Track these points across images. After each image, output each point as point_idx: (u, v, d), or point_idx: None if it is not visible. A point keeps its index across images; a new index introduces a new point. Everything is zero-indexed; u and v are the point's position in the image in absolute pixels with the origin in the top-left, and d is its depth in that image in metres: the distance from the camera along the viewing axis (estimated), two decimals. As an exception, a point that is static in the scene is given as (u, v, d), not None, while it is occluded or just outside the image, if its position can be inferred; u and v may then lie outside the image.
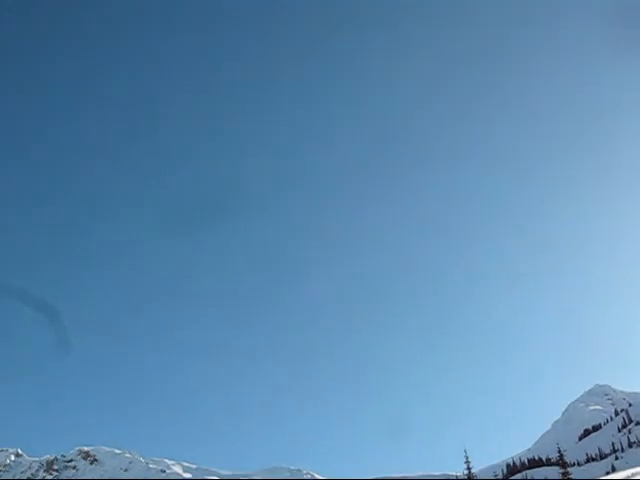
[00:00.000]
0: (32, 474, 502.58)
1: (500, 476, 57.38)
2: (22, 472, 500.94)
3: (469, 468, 33.47)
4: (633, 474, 32.51)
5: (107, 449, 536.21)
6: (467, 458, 33.20)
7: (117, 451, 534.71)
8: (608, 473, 60.94)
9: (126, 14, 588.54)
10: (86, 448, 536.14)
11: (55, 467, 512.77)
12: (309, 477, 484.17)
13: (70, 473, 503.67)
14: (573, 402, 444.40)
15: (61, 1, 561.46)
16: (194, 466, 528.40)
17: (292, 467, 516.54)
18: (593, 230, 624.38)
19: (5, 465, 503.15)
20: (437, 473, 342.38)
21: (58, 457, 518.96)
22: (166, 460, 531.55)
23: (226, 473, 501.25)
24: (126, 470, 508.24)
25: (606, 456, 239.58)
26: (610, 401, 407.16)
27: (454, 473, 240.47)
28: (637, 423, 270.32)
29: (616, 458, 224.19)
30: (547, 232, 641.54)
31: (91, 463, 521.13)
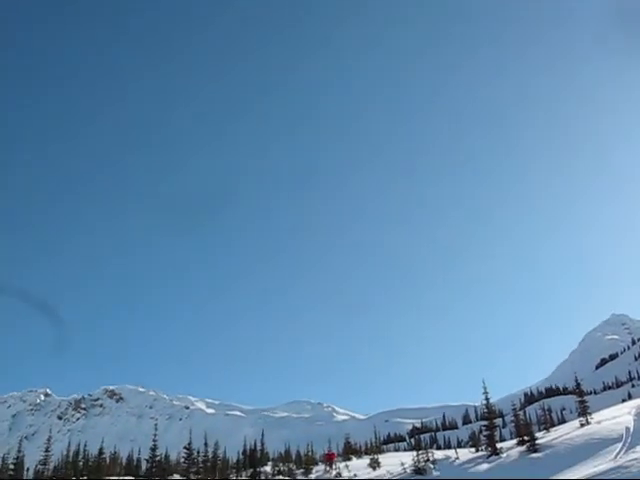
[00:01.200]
0: (61, 412, 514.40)
1: (518, 405, 55.79)
2: (52, 411, 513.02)
3: (487, 398, 32.17)
4: None
5: (131, 387, 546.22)
6: (485, 388, 31.87)
7: (141, 389, 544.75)
8: (624, 401, 57.40)
9: (133, 17, 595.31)
10: (111, 387, 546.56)
11: (83, 405, 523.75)
12: (329, 410, 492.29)
13: (97, 411, 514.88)
14: (590, 332, 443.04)
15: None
16: (217, 402, 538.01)
17: (312, 401, 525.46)
18: (612, 160, 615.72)
19: (36, 404, 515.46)
20: (456, 403, 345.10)
21: (85, 396, 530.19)
22: (189, 397, 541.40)
23: (248, 408, 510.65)
24: (151, 407, 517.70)
25: (622, 384, 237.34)
26: (627, 330, 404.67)
27: (472, 403, 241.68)
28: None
29: (632, 386, 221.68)
30: (568, 162, 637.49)
31: (117, 401, 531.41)
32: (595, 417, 30.38)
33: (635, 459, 16.50)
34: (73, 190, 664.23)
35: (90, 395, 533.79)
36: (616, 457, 19.46)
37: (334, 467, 41.38)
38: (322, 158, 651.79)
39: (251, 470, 48.49)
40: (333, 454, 44.98)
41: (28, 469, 57.64)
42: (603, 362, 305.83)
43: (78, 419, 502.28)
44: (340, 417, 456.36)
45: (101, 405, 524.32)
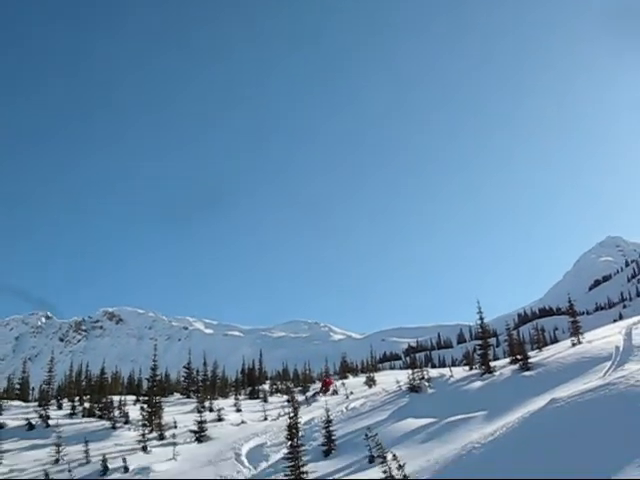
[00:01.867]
0: (63, 334, 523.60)
1: (511, 325, 56.75)
2: (54, 333, 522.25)
3: (481, 318, 32.18)
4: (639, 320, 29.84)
5: (131, 309, 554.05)
6: (480, 309, 31.91)
7: (140, 311, 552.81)
8: (615, 321, 58.33)
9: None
10: (111, 309, 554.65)
11: (83, 327, 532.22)
12: (326, 329, 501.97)
13: (97, 332, 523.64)
14: (584, 253, 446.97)
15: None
16: (215, 322, 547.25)
17: (310, 320, 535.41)
18: (617, 85, 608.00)
19: (37, 327, 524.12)
20: (451, 323, 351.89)
21: (85, 318, 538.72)
22: (188, 318, 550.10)
23: (246, 328, 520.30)
24: (150, 328, 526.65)
25: (614, 305, 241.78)
26: (621, 252, 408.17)
27: (467, 323, 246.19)
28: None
29: (624, 307, 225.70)
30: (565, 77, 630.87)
31: (116, 323, 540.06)
32: (587, 337, 30.94)
33: (623, 376, 16.89)
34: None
35: (90, 317, 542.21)
36: (605, 375, 19.93)
37: (332, 387, 41.72)
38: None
39: (249, 388, 49.73)
40: (330, 380, 43.87)
41: (33, 389, 59.15)
42: (596, 283, 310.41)
43: (79, 341, 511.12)
44: (337, 336, 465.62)
45: (101, 327, 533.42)
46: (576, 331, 31.28)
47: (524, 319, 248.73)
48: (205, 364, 49.79)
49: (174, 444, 25.72)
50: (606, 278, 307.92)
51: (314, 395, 39.92)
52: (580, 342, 30.02)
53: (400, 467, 15.48)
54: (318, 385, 51.94)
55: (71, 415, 37.01)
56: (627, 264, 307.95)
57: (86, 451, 25.29)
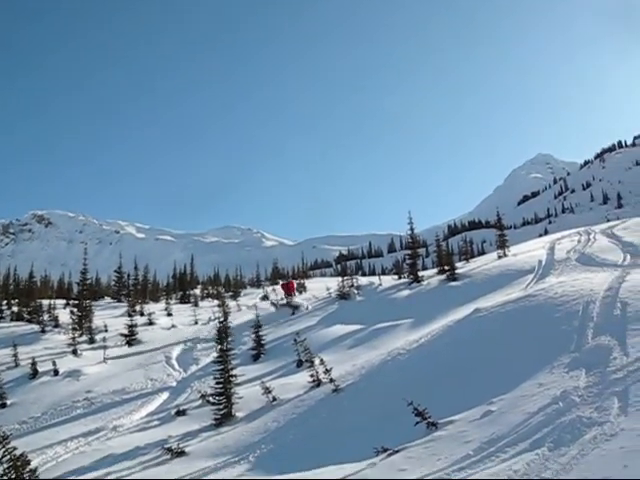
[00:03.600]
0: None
1: (441, 237, 58.05)
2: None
3: (412, 229, 32.51)
4: (562, 236, 30.99)
5: (61, 212, 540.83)
6: (410, 219, 32.29)
7: (71, 214, 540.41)
8: (541, 236, 60.60)
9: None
10: (40, 212, 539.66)
11: (11, 230, 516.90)
12: (258, 236, 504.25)
13: (26, 236, 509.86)
14: (515, 169, 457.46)
15: None
16: (147, 227, 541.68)
17: (242, 226, 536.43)
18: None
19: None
20: (382, 233, 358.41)
21: (13, 221, 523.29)
22: (119, 222, 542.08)
23: (178, 233, 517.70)
24: (80, 232, 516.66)
25: (541, 220, 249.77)
26: (550, 170, 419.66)
27: (398, 233, 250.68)
28: (572, 191, 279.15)
29: (549, 222, 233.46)
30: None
31: (46, 226, 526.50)
32: (512, 250, 31.97)
33: (543, 289, 17.56)
34: None
35: (18, 220, 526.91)
36: (527, 287, 20.71)
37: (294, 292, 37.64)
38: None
39: (181, 293, 49.83)
40: (292, 284, 38.24)
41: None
42: (525, 199, 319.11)
43: (7, 244, 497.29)
44: (269, 243, 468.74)
45: (30, 230, 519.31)
46: (502, 244, 32.23)
47: (454, 231, 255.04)
48: (136, 268, 49.47)
49: (104, 347, 25.71)
50: (534, 194, 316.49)
51: (287, 302, 33.90)
52: (506, 255, 31.00)
53: (327, 371, 15.91)
54: (249, 290, 52.43)
55: (-2, 319, 36.47)
56: (555, 181, 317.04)
57: (15, 354, 25.04)
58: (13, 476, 12.89)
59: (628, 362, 10.36)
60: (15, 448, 13.31)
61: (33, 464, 13.69)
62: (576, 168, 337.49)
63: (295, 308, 31.80)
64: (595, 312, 13.97)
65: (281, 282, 42.05)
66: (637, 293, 14.25)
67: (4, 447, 13.02)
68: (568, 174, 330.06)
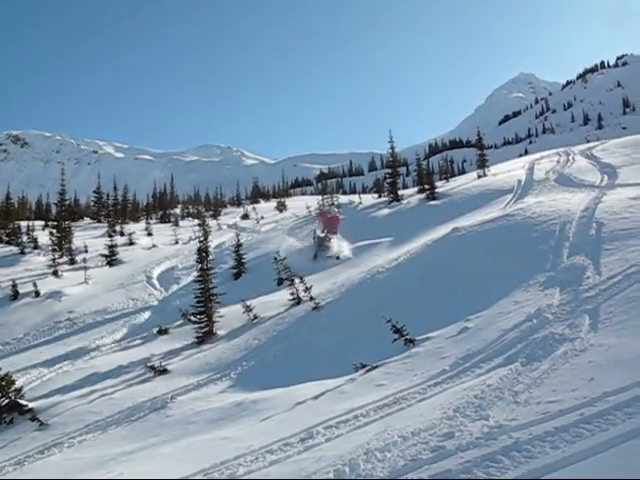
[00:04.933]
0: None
1: (422, 156, 57.81)
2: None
3: (392, 147, 32.34)
4: (542, 156, 31.06)
5: (37, 132, 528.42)
6: (391, 138, 32.04)
7: (47, 134, 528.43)
8: (521, 156, 60.54)
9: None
10: (15, 132, 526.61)
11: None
12: (238, 154, 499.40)
13: (1, 157, 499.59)
14: (497, 89, 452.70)
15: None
16: (126, 146, 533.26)
17: (222, 145, 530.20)
18: None
19: None
20: (363, 151, 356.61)
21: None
22: (97, 141, 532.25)
23: (158, 152, 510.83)
24: (57, 152, 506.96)
25: (521, 140, 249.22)
26: (532, 89, 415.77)
27: (379, 152, 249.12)
28: (553, 111, 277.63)
29: (530, 142, 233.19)
30: None
31: (22, 146, 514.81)
32: (492, 170, 31.97)
33: (521, 209, 17.72)
34: None
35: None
36: (505, 207, 20.85)
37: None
38: None
39: (161, 213, 49.65)
40: (336, 217, 25.27)
41: None
42: (506, 118, 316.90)
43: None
44: (249, 161, 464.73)
45: (5, 150, 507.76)
46: (482, 164, 32.19)
47: (434, 150, 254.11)
48: (115, 188, 48.92)
49: (85, 268, 25.67)
50: (516, 114, 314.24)
51: (322, 240, 23.77)
52: (486, 175, 31.02)
53: (307, 289, 16.11)
54: (230, 209, 52.22)
55: (-24, 241, 36.07)
56: (537, 101, 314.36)
57: (-6, 277, 24.91)
58: (-2, 395, 13.15)
59: (600, 281, 10.59)
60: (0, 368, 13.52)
61: (18, 383, 13.93)
62: (558, 88, 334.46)
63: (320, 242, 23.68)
64: (571, 232, 14.16)
65: (321, 212, 27.70)
66: (612, 214, 14.43)
67: (-12, 368, 13.24)
68: (550, 94, 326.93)
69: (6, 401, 13.24)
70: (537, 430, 5.35)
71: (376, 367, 10.21)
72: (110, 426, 11.60)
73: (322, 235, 23.78)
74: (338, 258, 21.80)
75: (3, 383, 13.32)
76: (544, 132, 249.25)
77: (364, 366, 10.46)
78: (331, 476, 5.56)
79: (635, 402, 5.51)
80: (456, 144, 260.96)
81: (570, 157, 29.14)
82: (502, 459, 4.93)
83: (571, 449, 4.85)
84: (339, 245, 23.20)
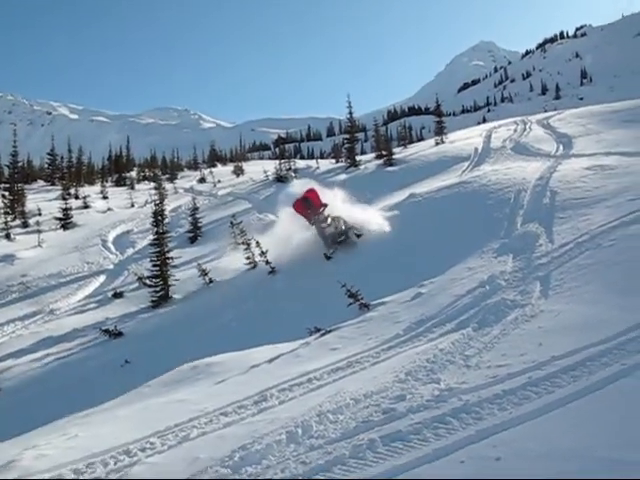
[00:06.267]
0: None
1: (380, 122, 57.59)
2: None
3: (350, 112, 31.96)
4: (500, 124, 31.49)
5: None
6: (349, 103, 31.59)
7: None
8: (479, 124, 61.05)
9: None
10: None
11: None
12: (196, 118, 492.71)
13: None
14: (457, 56, 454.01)
15: None
16: (81, 107, 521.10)
17: (179, 108, 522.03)
18: None
19: None
20: (322, 116, 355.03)
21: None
22: (51, 102, 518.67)
23: (113, 114, 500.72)
24: (9, 112, 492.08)
25: (480, 108, 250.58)
26: (492, 58, 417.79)
27: (337, 117, 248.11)
28: (512, 80, 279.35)
29: (488, 111, 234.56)
30: None
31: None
32: (450, 137, 32.21)
33: (477, 176, 17.92)
34: None
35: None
36: (462, 174, 21.05)
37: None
38: None
39: (116, 176, 48.77)
40: (313, 192, 18.47)
41: None
42: (465, 86, 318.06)
43: None
44: (207, 125, 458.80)
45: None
46: (440, 131, 32.41)
47: (393, 116, 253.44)
48: (70, 150, 47.78)
49: (39, 231, 25.21)
50: (475, 82, 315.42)
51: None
52: (443, 142, 31.25)
53: (263, 253, 16.08)
54: (186, 173, 51.57)
55: None
56: (496, 70, 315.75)
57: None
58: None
59: (553, 249, 10.80)
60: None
61: (-30, 346, 13.71)
62: (518, 57, 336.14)
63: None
64: (526, 200, 14.38)
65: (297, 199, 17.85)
66: (566, 183, 14.68)
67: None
68: (509, 63, 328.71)
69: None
70: (486, 393, 5.47)
71: (330, 331, 10.30)
72: (65, 390, 11.51)
73: (324, 225, 16.41)
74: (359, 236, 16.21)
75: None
76: (502, 101, 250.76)
77: (318, 330, 10.54)
78: (284, 437, 5.61)
79: (580, 366, 5.67)
80: (415, 111, 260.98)
81: (527, 126, 29.48)
82: (451, 421, 5.04)
83: (518, 411, 4.98)
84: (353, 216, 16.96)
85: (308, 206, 16.69)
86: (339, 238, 16.07)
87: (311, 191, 17.34)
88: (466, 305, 9.37)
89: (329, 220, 16.25)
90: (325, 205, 16.78)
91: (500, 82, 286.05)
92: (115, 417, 8.89)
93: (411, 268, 12.53)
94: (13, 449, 8.07)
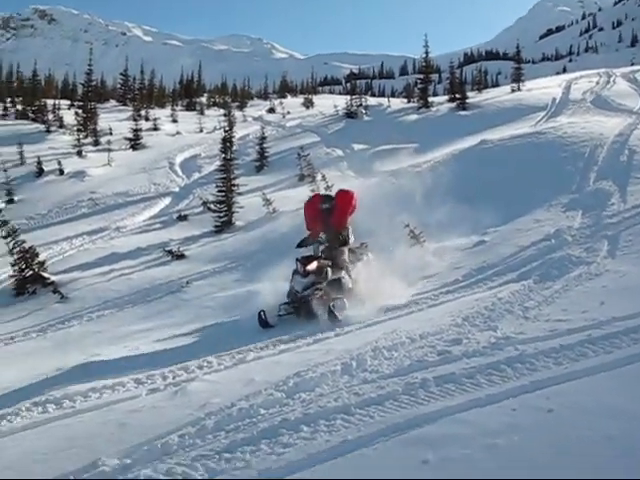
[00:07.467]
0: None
1: (456, 64, 56.13)
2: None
3: (427, 52, 31.33)
4: (581, 75, 30.21)
5: (64, 9, 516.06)
6: (426, 42, 30.85)
7: (75, 11, 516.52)
8: (559, 73, 58.61)
9: None
10: (42, 7, 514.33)
11: (12, 25, 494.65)
12: (269, 47, 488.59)
13: (28, 32, 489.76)
14: (542, 0, 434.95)
15: None
16: (155, 30, 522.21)
17: (253, 36, 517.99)
18: None
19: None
20: (396, 54, 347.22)
21: (14, 15, 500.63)
22: (126, 23, 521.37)
23: (187, 38, 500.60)
24: (86, 31, 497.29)
25: (562, 57, 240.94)
26: (581, 3, 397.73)
27: (412, 56, 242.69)
28: (600, 29, 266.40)
29: (570, 60, 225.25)
30: None
31: (49, 23, 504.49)
32: (527, 85, 31.19)
33: (552, 127, 17.39)
34: None
35: (19, 15, 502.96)
36: (537, 124, 20.45)
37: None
38: None
39: (187, 100, 49.06)
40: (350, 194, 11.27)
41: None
42: (548, 33, 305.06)
43: (8, 39, 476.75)
44: (279, 55, 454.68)
45: (32, 26, 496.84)
46: (518, 78, 31.43)
47: (469, 59, 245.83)
48: (142, 72, 48.16)
49: (109, 150, 25.67)
50: (559, 29, 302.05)
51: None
52: (520, 90, 30.30)
53: (328, 187, 16.08)
54: (256, 102, 51.48)
55: (3, 116, 36.08)
56: (584, 17, 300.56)
57: (20, 152, 24.84)
58: (23, 266, 13.57)
59: (625, 209, 10.51)
60: (24, 241, 13.85)
61: (41, 257, 14.29)
62: (610, 4, 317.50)
63: None
64: (601, 156, 13.94)
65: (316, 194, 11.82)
66: (647, 142, 14.13)
67: (14, 239, 13.60)
68: (600, 10, 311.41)
69: (30, 273, 13.67)
70: (543, 345, 5.45)
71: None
72: (127, 304, 11.96)
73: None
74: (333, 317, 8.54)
75: (27, 256, 13.71)
76: (587, 51, 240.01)
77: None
78: (338, 368, 5.74)
79: (642, 328, 5.57)
80: (492, 55, 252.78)
81: (611, 79, 28.29)
82: (505, 369, 5.05)
83: (574, 366, 4.95)
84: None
85: (327, 214, 10.01)
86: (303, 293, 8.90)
87: (345, 194, 10.24)
88: (529, 257, 9.27)
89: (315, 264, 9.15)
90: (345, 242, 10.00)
91: (586, 30, 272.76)
92: (173, 335, 9.25)
93: (475, 214, 12.33)
94: (81, 356, 8.53)
